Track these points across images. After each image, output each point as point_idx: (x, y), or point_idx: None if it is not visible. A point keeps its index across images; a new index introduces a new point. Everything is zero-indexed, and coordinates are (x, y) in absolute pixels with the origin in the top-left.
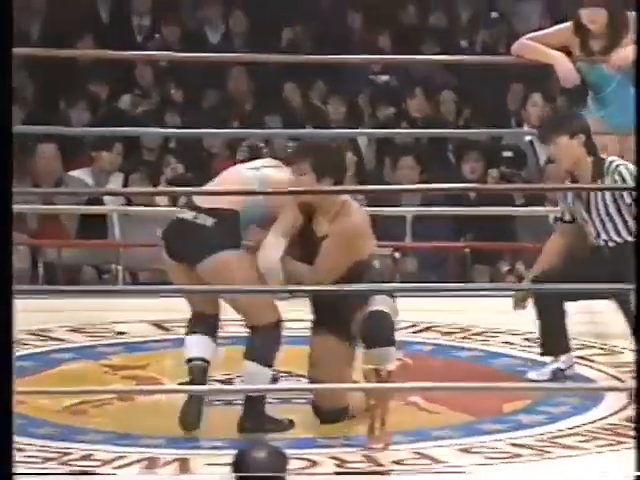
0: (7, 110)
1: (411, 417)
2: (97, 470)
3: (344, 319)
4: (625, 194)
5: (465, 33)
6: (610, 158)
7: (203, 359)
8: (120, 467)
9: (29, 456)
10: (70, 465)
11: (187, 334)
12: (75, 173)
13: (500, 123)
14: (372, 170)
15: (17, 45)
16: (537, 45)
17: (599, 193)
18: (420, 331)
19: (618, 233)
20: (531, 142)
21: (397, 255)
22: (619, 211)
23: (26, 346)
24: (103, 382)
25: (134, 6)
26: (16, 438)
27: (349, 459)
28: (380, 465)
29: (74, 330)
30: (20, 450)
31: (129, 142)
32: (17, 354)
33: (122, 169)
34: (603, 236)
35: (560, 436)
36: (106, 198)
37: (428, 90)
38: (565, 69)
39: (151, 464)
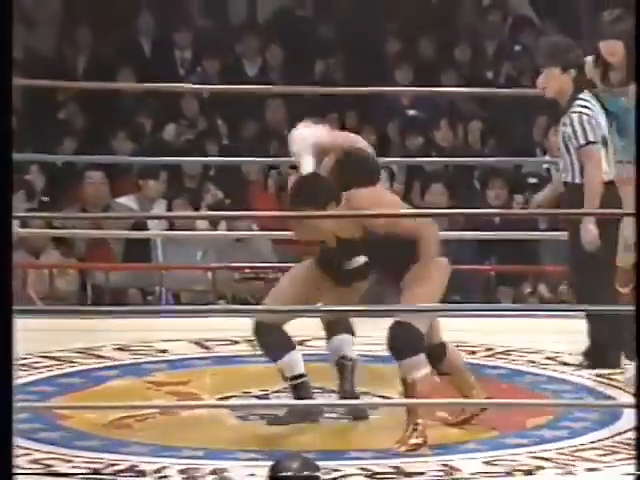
0: (7, 137)
1: (438, 432)
2: None
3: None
4: (573, 137)
5: (490, 65)
6: (579, 101)
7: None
8: (163, 477)
9: (75, 466)
10: (116, 476)
11: (286, 350)
12: (121, 200)
13: (525, 153)
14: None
15: (64, 79)
16: None
17: (560, 130)
18: None
19: (565, 171)
20: (548, 170)
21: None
22: (568, 151)
23: (74, 364)
24: (146, 398)
25: (176, 40)
26: (63, 450)
27: (378, 470)
28: (408, 475)
29: (119, 349)
30: (68, 461)
31: (173, 170)
32: (65, 371)
33: (165, 196)
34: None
35: (581, 450)
36: (150, 223)
37: (455, 121)
38: None
39: (192, 474)
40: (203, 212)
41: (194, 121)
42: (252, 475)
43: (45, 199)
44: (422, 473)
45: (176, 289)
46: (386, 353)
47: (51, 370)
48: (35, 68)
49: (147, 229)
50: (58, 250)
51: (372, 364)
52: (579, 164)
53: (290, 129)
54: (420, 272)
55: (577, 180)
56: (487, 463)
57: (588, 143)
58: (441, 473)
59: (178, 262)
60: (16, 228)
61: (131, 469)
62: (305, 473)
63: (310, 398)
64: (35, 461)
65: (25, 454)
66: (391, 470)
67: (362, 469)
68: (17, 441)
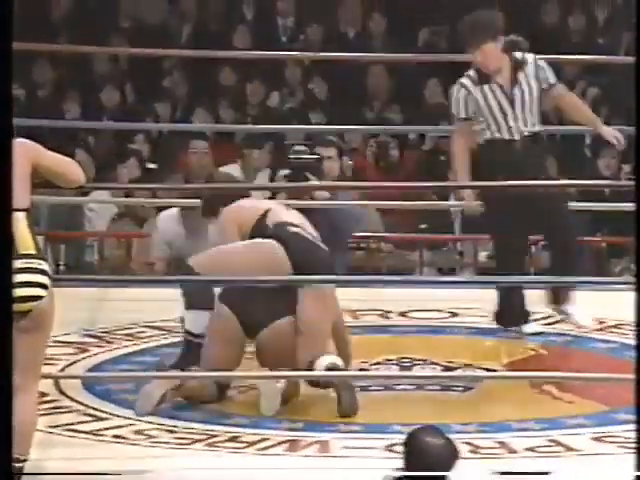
0: (8, 134)
1: (545, 406)
2: (243, 451)
3: None
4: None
5: (604, 34)
6: (524, 55)
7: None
8: (264, 449)
9: (178, 437)
10: (217, 447)
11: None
12: (225, 169)
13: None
14: None
15: (168, 47)
16: None
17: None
18: (555, 322)
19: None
20: None
21: (532, 249)
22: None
23: (178, 334)
24: (247, 368)
25: (279, 8)
26: (165, 421)
27: (482, 445)
28: (513, 451)
29: None
30: (170, 432)
31: (277, 139)
32: (169, 341)
33: (269, 165)
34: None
35: None
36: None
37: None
38: None
39: (293, 446)
40: (307, 183)
41: (297, 89)
42: (350, 447)
43: (151, 166)
44: (528, 449)
45: None
46: (489, 325)
47: (157, 340)
48: (141, 37)
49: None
50: None
51: (475, 336)
52: None
53: (392, 96)
54: None
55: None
56: (595, 439)
57: None
58: (548, 449)
59: None
60: (121, 198)
61: (232, 440)
62: (444, 449)
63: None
64: (139, 432)
65: (129, 425)
66: (496, 445)
67: (466, 443)
68: (121, 411)
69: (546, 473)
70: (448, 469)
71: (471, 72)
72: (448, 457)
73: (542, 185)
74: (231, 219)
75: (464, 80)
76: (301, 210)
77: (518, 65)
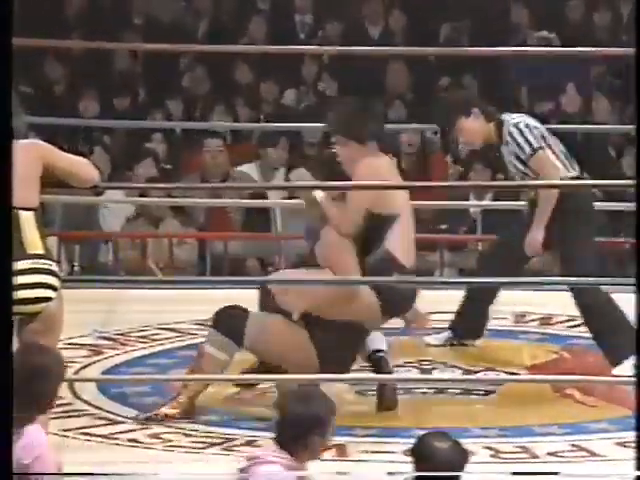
0: (7, 130)
1: (567, 410)
2: None
3: None
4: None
5: (629, 30)
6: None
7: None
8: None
9: (194, 441)
10: (233, 450)
11: None
12: (242, 168)
13: None
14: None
15: (186, 42)
16: None
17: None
18: (577, 325)
19: None
20: None
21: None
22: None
23: (193, 336)
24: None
25: (297, 5)
26: (181, 424)
27: (503, 449)
28: (535, 456)
29: None
30: (186, 435)
31: (294, 137)
32: (184, 344)
33: (286, 164)
34: None
35: None
36: (270, 192)
37: (581, 85)
38: None
39: None
40: (323, 182)
41: (314, 86)
42: (367, 452)
43: (167, 167)
44: (550, 453)
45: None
46: (509, 328)
47: (172, 342)
48: (156, 34)
49: (266, 198)
50: (177, 219)
51: (496, 339)
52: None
53: (412, 93)
54: None
55: None
56: (619, 444)
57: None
58: (571, 454)
59: (298, 231)
60: (135, 197)
61: (248, 444)
62: (454, 454)
63: None
64: (153, 435)
65: (143, 428)
66: (518, 449)
67: (487, 448)
68: (136, 415)
69: (555, 473)
70: (457, 473)
71: None
72: (457, 460)
73: (553, 185)
74: (366, 174)
75: None
76: None
77: None
